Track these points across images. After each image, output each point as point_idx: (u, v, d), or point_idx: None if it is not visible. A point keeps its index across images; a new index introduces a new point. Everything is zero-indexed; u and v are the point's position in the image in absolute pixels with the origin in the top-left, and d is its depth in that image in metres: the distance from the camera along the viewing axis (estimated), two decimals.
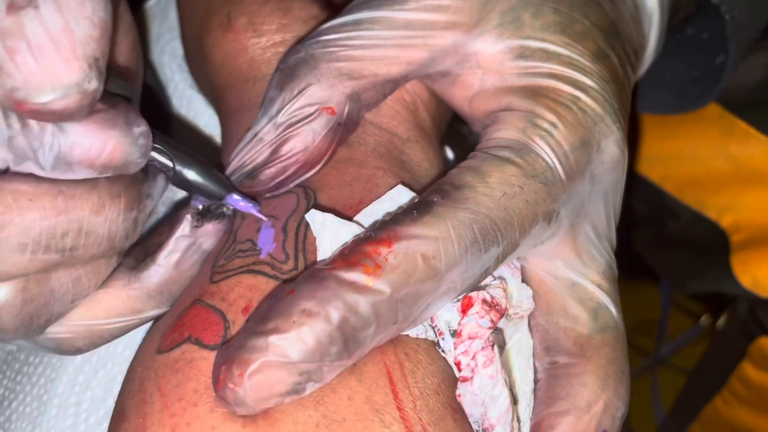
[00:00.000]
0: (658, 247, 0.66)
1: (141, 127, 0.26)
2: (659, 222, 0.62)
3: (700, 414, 0.73)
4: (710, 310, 1.10)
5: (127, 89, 0.30)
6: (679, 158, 0.56)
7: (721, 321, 1.04)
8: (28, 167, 0.25)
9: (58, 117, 0.23)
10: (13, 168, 0.25)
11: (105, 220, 0.27)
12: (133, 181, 0.28)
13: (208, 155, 0.45)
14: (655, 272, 0.72)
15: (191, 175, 0.29)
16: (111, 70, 0.29)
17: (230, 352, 0.24)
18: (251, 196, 0.31)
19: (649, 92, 0.46)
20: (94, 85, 0.23)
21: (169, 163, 0.29)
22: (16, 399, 0.39)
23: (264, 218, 0.31)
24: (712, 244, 0.58)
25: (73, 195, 0.26)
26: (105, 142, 0.25)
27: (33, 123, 0.24)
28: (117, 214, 0.27)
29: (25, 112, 0.23)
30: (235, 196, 0.30)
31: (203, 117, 0.46)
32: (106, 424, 0.36)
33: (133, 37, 0.31)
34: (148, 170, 0.29)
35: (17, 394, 0.39)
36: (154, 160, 0.29)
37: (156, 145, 0.28)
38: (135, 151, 0.26)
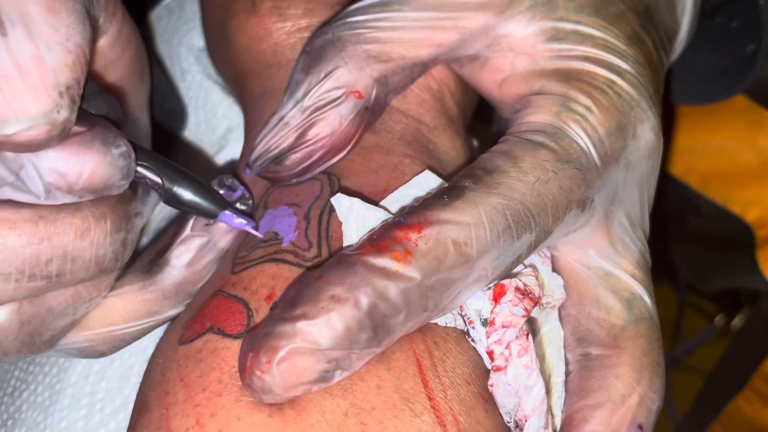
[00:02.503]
0: (680, 243, 0.65)
1: (120, 148, 0.25)
2: (681, 217, 0.61)
3: (722, 413, 0.72)
4: (725, 311, 1.09)
5: (115, 106, 0.29)
6: (704, 151, 0.55)
7: (737, 321, 1.03)
8: (5, 193, 0.24)
9: (25, 148, 0.23)
10: None
11: (91, 243, 0.26)
12: (120, 201, 0.27)
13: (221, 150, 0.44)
14: (671, 272, 0.71)
15: (181, 192, 0.28)
16: (96, 88, 0.28)
17: (257, 339, 0.24)
18: (246, 213, 0.30)
19: (677, 82, 0.46)
20: (64, 114, 0.22)
21: (158, 180, 0.28)
22: (27, 389, 0.39)
23: (260, 235, 0.30)
24: (736, 240, 0.57)
25: (54, 220, 0.25)
26: (81, 167, 0.24)
27: (5, 152, 0.23)
28: (104, 237, 0.26)
29: None
30: (228, 213, 0.29)
31: (221, 107, 0.46)
32: (122, 415, 0.36)
33: (133, 49, 0.31)
34: (138, 188, 0.28)
35: (28, 384, 0.39)
36: (144, 177, 0.28)
37: (143, 162, 0.28)
38: (115, 173, 0.25)
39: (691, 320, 1.11)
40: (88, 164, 0.24)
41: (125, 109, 0.32)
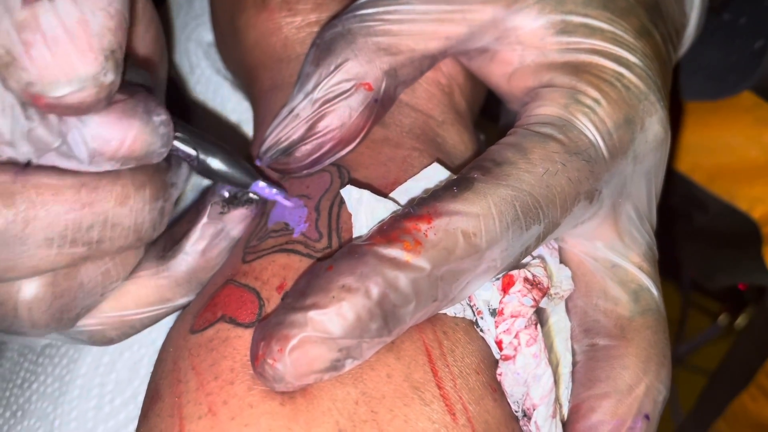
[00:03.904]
0: (686, 240, 0.65)
1: (161, 116, 0.26)
2: (687, 214, 0.61)
3: (726, 410, 0.72)
4: (728, 310, 1.09)
5: (147, 79, 0.29)
6: (711, 148, 0.55)
7: (740, 320, 1.03)
8: (50, 159, 0.25)
9: (74, 111, 0.23)
10: (36, 161, 0.25)
11: (130, 211, 0.26)
12: (157, 171, 0.27)
13: (235, 143, 0.45)
14: (675, 270, 0.71)
15: (215, 163, 0.29)
16: (131, 61, 0.29)
17: (269, 327, 0.24)
18: (277, 184, 0.31)
19: (684, 78, 0.46)
20: (110, 77, 0.23)
21: (192, 152, 0.28)
22: (36, 380, 0.39)
23: (290, 204, 0.30)
24: (742, 237, 0.57)
25: (96, 187, 0.25)
26: (125, 133, 0.25)
27: (52, 116, 0.24)
28: (142, 205, 0.27)
29: (41, 106, 0.22)
30: (261, 184, 0.30)
31: (230, 102, 0.46)
32: (132, 406, 0.36)
33: (155, 29, 0.31)
34: (171, 159, 0.29)
35: (38, 375, 0.39)
36: (177, 149, 0.28)
37: (178, 134, 0.28)
38: (156, 140, 0.26)
39: (695, 319, 1.11)
40: (131, 131, 0.25)
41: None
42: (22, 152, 0.24)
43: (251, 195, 0.31)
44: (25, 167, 0.25)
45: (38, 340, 0.34)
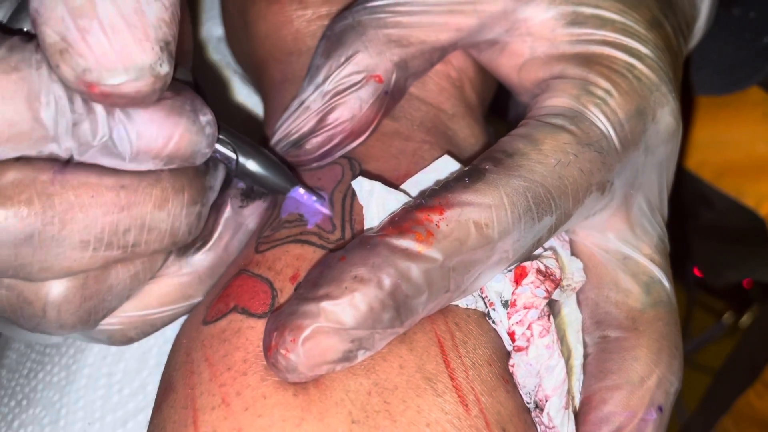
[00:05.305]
0: (693, 237, 0.65)
1: (207, 116, 0.25)
2: (694, 211, 0.61)
3: (732, 408, 0.71)
4: (733, 309, 1.08)
5: (189, 77, 0.29)
6: (718, 144, 0.55)
7: (745, 319, 1.03)
8: (92, 156, 0.24)
9: (129, 101, 0.22)
10: (77, 158, 0.24)
11: (168, 215, 0.26)
12: (196, 174, 0.27)
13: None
14: (679, 269, 0.71)
15: (254, 167, 0.28)
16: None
17: (282, 318, 0.24)
18: (314, 190, 0.30)
19: (694, 72, 0.46)
20: (165, 68, 0.22)
21: (232, 155, 0.28)
22: (43, 369, 0.39)
23: (329, 213, 0.30)
24: (749, 233, 0.57)
25: (136, 189, 0.25)
26: (172, 131, 0.24)
27: (99, 109, 0.23)
28: (180, 209, 0.26)
29: (95, 95, 0.22)
30: (301, 190, 0.30)
31: (239, 96, 0.46)
32: (140, 396, 0.36)
33: (188, 25, 0.31)
34: (209, 161, 0.28)
35: (44, 365, 0.39)
36: (216, 151, 0.28)
37: (219, 136, 0.27)
38: (202, 140, 0.25)
39: (699, 318, 1.10)
40: (177, 129, 0.24)
41: None
42: (65, 147, 0.24)
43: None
44: (65, 164, 0.24)
45: (45, 337, 0.34)
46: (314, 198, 0.30)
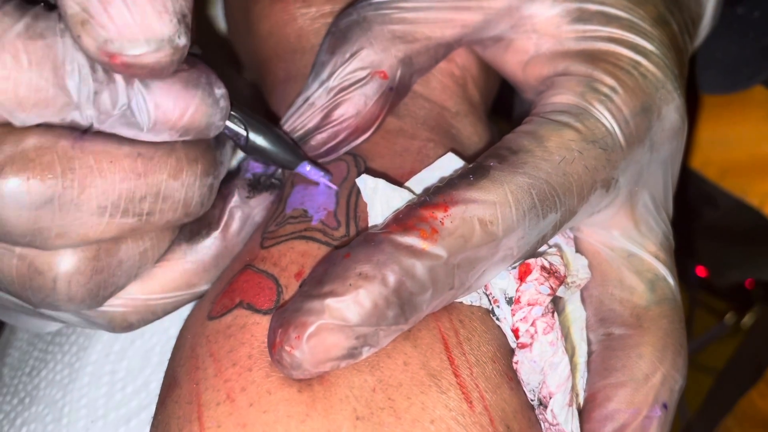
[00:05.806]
0: (697, 236, 0.65)
1: (221, 89, 0.26)
2: (696, 211, 0.61)
3: (735, 408, 0.71)
4: (735, 309, 1.08)
5: (198, 51, 0.29)
6: (722, 143, 0.55)
7: (747, 319, 1.02)
8: (111, 126, 0.25)
9: (148, 72, 0.23)
10: (97, 126, 0.25)
11: (182, 185, 0.26)
12: (208, 147, 0.27)
13: None
14: (681, 269, 0.71)
15: (264, 142, 0.29)
16: None
17: (287, 315, 0.24)
18: (323, 166, 0.30)
19: (698, 71, 0.45)
20: (183, 40, 0.23)
21: (242, 131, 0.28)
22: (45, 367, 0.39)
23: (335, 187, 0.30)
24: (754, 233, 0.57)
25: (152, 157, 0.25)
26: (188, 103, 0.25)
27: (119, 79, 0.24)
28: (194, 180, 0.27)
29: (116, 65, 0.22)
30: (308, 167, 0.30)
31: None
32: (144, 394, 0.36)
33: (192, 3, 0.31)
34: (218, 138, 0.28)
35: (47, 362, 0.39)
36: (226, 126, 0.28)
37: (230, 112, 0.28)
38: (216, 113, 0.26)
39: (701, 318, 1.10)
40: (194, 101, 0.25)
41: None
42: (86, 115, 0.24)
43: (273, 180, 0.31)
44: (85, 132, 0.25)
45: (45, 323, 0.34)
46: (322, 173, 0.30)
